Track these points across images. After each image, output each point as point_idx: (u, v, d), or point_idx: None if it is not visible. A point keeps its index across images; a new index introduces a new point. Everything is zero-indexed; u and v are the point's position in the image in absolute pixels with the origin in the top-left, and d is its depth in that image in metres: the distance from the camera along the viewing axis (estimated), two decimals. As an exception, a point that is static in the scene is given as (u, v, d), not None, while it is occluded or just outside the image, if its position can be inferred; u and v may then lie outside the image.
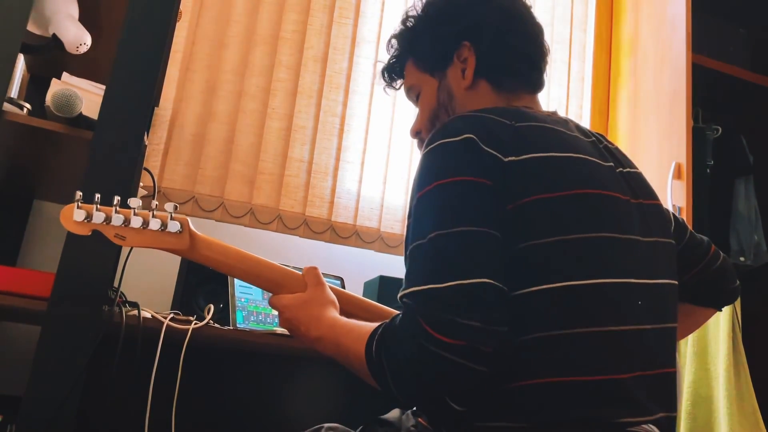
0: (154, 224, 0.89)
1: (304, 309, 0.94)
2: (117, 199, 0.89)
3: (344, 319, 0.91)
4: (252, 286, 1.60)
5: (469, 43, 0.99)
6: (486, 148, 0.79)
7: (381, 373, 0.75)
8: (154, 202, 0.92)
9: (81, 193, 0.89)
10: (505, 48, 0.99)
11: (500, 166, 0.78)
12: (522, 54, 0.99)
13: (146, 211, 0.90)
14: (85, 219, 0.88)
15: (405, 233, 0.83)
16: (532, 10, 1.05)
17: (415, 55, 1.05)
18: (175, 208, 0.91)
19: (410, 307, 0.74)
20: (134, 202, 0.89)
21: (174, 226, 0.90)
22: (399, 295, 0.77)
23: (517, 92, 0.99)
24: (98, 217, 0.88)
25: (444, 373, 0.70)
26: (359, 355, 0.79)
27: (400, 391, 0.74)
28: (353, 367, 0.81)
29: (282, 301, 0.96)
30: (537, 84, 1.02)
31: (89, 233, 0.90)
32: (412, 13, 1.06)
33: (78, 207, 0.88)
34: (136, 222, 0.89)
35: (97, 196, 0.89)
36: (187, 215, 1.92)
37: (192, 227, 0.93)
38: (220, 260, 0.95)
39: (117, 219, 0.88)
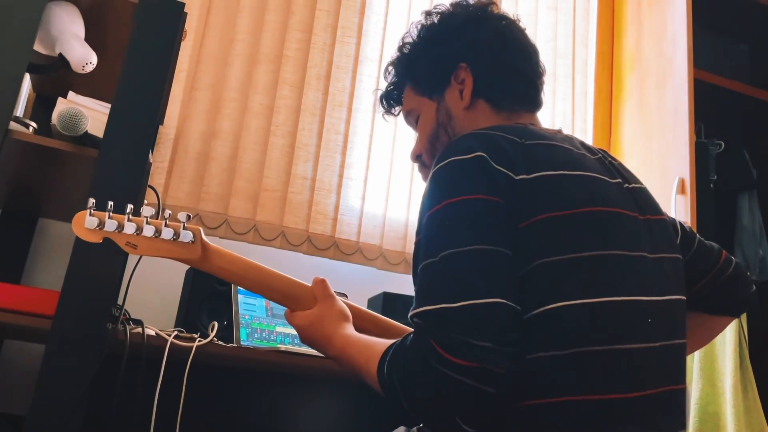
0: (167, 233, 0.89)
1: (316, 328, 0.94)
2: (130, 207, 0.89)
3: (356, 336, 0.91)
4: (256, 303, 1.60)
5: (466, 64, 1.00)
6: (497, 167, 0.79)
7: (394, 393, 0.75)
8: (168, 212, 0.92)
9: (94, 200, 0.89)
10: (501, 67, 1.00)
11: (511, 185, 0.78)
12: (518, 72, 1.00)
13: (159, 221, 0.90)
14: (97, 226, 0.88)
15: (413, 250, 0.83)
16: (536, 25, 1.07)
17: (413, 79, 1.06)
18: (188, 217, 0.91)
19: (421, 327, 0.73)
20: (147, 210, 0.89)
21: (186, 236, 0.90)
22: (410, 315, 0.76)
23: (516, 111, 1.00)
24: (111, 224, 0.88)
25: (455, 395, 0.70)
26: (372, 375, 0.79)
27: (414, 412, 0.74)
28: (370, 385, 0.82)
29: (294, 321, 0.96)
30: (536, 102, 1.02)
31: (100, 240, 0.89)
32: (408, 39, 1.07)
33: (90, 214, 0.88)
34: (148, 231, 0.89)
35: (110, 203, 0.89)
36: (191, 232, 1.93)
37: (204, 237, 0.93)
38: (232, 271, 0.95)
39: (129, 227, 0.88)
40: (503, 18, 1.04)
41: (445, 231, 0.77)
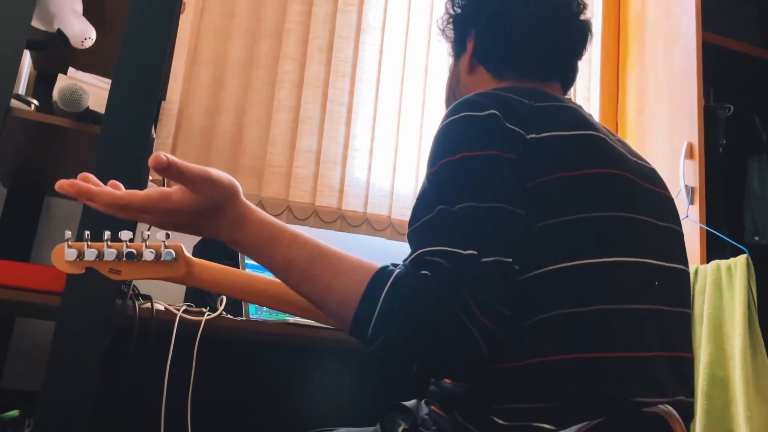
0: (148, 255, 0.88)
1: (211, 213, 0.76)
2: (107, 234, 0.88)
3: (294, 230, 0.78)
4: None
5: (474, 31, 1.01)
6: (509, 125, 0.79)
7: (383, 325, 0.69)
8: (146, 233, 0.90)
9: (70, 232, 0.88)
10: (499, 39, 0.98)
11: (523, 143, 0.78)
12: (517, 45, 0.98)
13: (139, 243, 0.89)
14: (77, 258, 0.87)
15: (418, 195, 0.81)
16: None
17: (449, 39, 1.09)
18: (167, 236, 0.90)
19: (448, 271, 0.70)
20: (125, 234, 0.88)
21: (168, 255, 0.89)
22: (422, 251, 0.72)
23: (520, 80, 0.98)
24: (90, 254, 0.86)
25: (467, 352, 0.70)
26: (348, 295, 0.72)
27: (410, 352, 0.70)
28: (321, 299, 0.74)
29: (168, 204, 0.74)
30: (543, 74, 0.99)
31: (83, 271, 0.89)
32: (448, 3, 1.08)
33: (69, 246, 0.87)
34: (129, 255, 0.88)
35: (87, 233, 0.89)
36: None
37: (186, 253, 0.92)
38: (219, 282, 0.94)
39: (110, 254, 0.86)
40: None
41: (465, 183, 0.75)
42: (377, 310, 0.70)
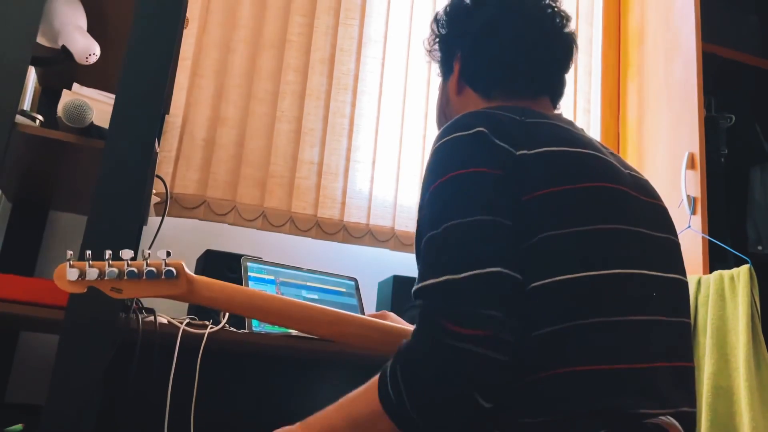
0: (149, 273, 0.88)
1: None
2: (108, 253, 0.88)
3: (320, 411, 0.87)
4: (266, 289, 1.61)
5: (460, 53, 1.02)
6: (497, 142, 0.80)
7: (399, 401, 0.72)
8: (147, 251, 0.90)
9: (71, 252, 0.88)
10: (484, 58, 0.99)
11: (512, 159, 0.79)
12: (503, 64, 0.98)
13: (140, 261, 0.88)
14: (79, 277, 0.87)
15: (417, 226, 0.84)
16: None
17: (435, 59, 1.10)
18: (168, 254, 0.90)
19: (427, 307, 0.74)
20: (126, 253, 0.87)
21: (169, 273, 0.89)
22: (414, 289, 0.77)
23: (510, 99, 0.99)
24: (92, 273, 0.87)
25: (465, 367, 0.70)
26: (371, 400, 0.76)
27: (423, 409, 0.72)
28: (369, 425, 0.78)
29: None
30: (532, 92, 0.99)
31: (85, 290, 0.89)
32: (441, 15, 1.08)
33: (70, 266, 0.87)
34: (130, 274, 0.88)
35: (88, 252, 0.89)
36: (200, 219, 1.94)
37: (187, 270, 0.92)
38: (220, 298, 0.95)
39: (111, 273, 0.87)
40: (503, 4, 1.01)
41: (448, 203, 0.78)
42: (394, 411, 0.74)
